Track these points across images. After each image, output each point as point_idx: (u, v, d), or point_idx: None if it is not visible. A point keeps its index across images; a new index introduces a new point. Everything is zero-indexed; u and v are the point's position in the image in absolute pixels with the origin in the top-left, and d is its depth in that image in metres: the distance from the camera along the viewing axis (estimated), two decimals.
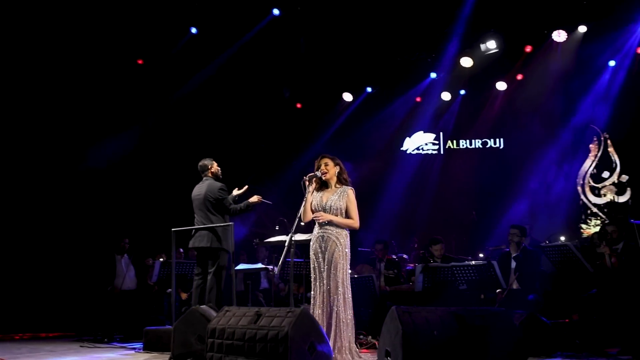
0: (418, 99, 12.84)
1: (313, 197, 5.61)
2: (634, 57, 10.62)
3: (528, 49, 10.56)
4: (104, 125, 9.86)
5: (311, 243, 5.57)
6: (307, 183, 5.52)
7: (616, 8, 9.45)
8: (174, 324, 5.17)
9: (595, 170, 12.10)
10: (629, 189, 11.63)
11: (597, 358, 5.77)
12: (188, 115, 10.89)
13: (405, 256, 9.67)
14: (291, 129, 12.41)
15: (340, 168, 5.66)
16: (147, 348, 6.43)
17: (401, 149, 13.26)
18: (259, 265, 7.91)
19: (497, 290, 7.13)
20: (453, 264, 6.89)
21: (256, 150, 11.77)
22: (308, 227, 8.46)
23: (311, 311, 5.38)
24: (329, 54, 11.19)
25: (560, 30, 9.86)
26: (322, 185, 5.65)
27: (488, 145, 12.87)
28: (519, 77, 11.83)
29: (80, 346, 7.14)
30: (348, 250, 5.49)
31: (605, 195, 12.00)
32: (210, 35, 10.14)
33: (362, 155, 12.44)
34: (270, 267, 7.73)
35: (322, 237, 5.46)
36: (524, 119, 12.33)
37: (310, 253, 5.56)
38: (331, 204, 5.49)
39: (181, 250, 9.19)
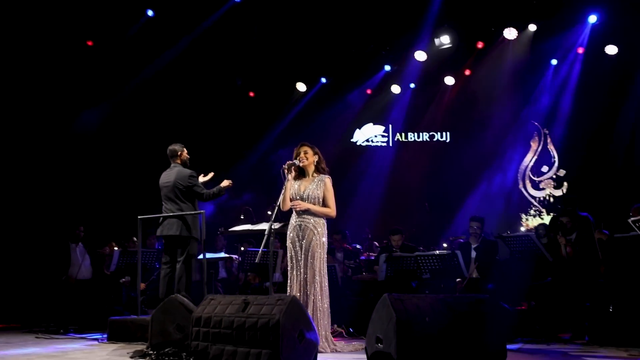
0: (368, 91, 13.01)
1: (291, 186, 5.65)
2: (576, 57, 11.12)
3: (480, 45, 10.86)
4: (59, 107, 9.51)
5: (288, 232, 5.61)
6: (285, 171, 5.55)
7: (564, 9, 9.86)
8: (152, 313, 5.07)
9: (535, 165, 12.67)
10: (565, 182, 12.25)
11: (555, 343, 6.10)
12: (143, 101, 10.63)
13: (358, 246, 9.82)
14: (244, 118, 12.31)
15: (319, 157, 5.73)
16: (112, 338, 6.27)
17: (351, 140, 13.44)
18: (223, 255, 7.85)
19: (457, 280, 7.38)
20: (418, 253, 7.08)
21: (209, 140, 11.60)
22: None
23: None
24: (283, 43, 11.16)
25: (511, 28, 10.19)
26: (300, 173, 5.70)
27: (435, 139, 13.20)
28: (467, 72, 12.16)
29: (36, 337, 6.87)
30: (325, 239, 5.57)
31: (544, 188, 12.58)
32: (168, 19, 9.92)
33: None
34: (234, 256, 7.70)
35: (300, 225, 5.50)
36: (471, 113, 12.68)
37: (287, 242, 5.60)
38: (309, 192, 5.54)
39: (134, 239, 8.98)
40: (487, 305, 4.11)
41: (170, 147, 6.79)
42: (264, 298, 4.46)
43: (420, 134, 13.26)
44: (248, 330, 4.21)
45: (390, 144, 13.40)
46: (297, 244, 5.50)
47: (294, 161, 5.60)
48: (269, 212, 8.09)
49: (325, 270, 5.52)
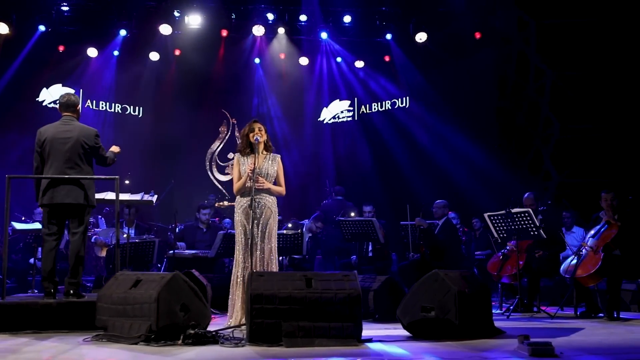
0: (61, 48, 11.78)
1: (241, 163, 5.50)
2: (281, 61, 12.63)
3: (224, 33, 11.25)
4: None
5: (240, 208, 5.40)
6: (258, 148, 5.38)
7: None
8: (157, 292, 4.23)
9: (221, 151, 13.66)
10: None
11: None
12: None
13: None
14: None
15: (268, 135, 5.65)
16: None
17: (37, 99, 11.91)
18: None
19: (280, 257, 7.89)
20: None
21: None
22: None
23: (240, 276, 5.30)
24: None
25: (260, 26, 10.97)
26: (250, 151, 5.53)
27: (128, 112, 12.82)
28: (177, 52, 12.28)
29: None
30: (277, 217, 5.59)
31: (228, 173, 13.68)
32: None
33: None
34: None
35: (259, 203, 5.38)
36: (168, 91, 12.79)
37: (240, 218, 5.39)
38: (266, 170, 5.50)
39: None
40: (479, 277, 5.18)
41: (69, 96, 5.44)
42: (322, 274, 4.50)
43: (113, 104, 12.67)
44: (325, 304, 4.24)
45: (80, 110, 12.32)
46: (254, 221, 5.36)
47: (257, 138, 5.43)
48: None
49: (277, 248, 5.55)
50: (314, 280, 4.36)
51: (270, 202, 5.47)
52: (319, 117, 13.39)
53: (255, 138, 5.42)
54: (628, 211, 6.45)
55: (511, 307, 6.60)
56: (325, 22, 11.21)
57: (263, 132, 5.54)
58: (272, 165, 5.55)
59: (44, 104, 11.93)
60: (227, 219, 9.58)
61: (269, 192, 5.45)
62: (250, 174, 5.32)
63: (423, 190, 10.77)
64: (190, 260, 7.57)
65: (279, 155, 5.67)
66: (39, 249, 7.26)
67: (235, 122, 13.65)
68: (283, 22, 11.03)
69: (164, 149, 12.75)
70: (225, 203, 13.21)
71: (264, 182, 5.39)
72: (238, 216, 5.42)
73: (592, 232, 6.54)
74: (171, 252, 7.60)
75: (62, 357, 3.78)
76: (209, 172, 13.59)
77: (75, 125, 5.39)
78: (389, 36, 11.36)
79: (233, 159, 13.42)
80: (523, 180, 10.24)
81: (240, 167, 5.50)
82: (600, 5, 9.52)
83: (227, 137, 13.68)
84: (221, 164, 13.64)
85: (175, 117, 12.77)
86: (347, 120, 13.22)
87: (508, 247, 7.04)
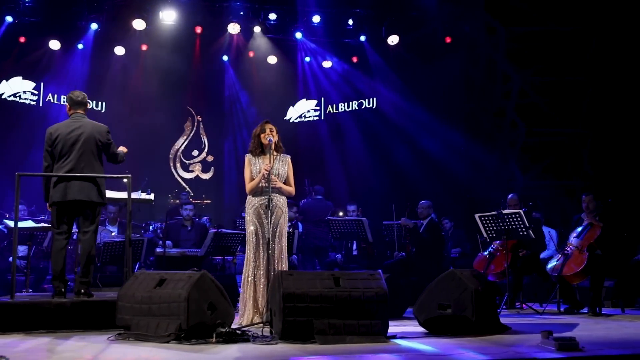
0: (22, 39, 11.37)
1: (252, 163, 5.52)
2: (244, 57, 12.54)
3: (198, 30, 11.12)
4: None
5: (252, 208, 5.43)
6: (271, 148, 5.42)
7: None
8: (187, 291, 4.20)
9: (186, 148, 13.47)
10: (212, 167, 13.51)
11: None
12: None
13: None
14: None
15: (279, 135, 5.68)
16: None
17: None
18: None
19: None
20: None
21: None
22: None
23: (252, 275, 5.34)
24: None
25: (236, 24, 10.90)
26: (261, 151, 5.55)
27: (90, 107, 12.42)
28: (144, 47, 12.05)
29: None
30: (288, 217, 5.64)
31: (192, 171, 13.52)
32: None
33: None
34: None
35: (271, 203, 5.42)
36: (130, 86, 12.52)
37: (252, 217, 5.41)
38: (278, 171, 5.53)
39: None
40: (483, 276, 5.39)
41: (77, 93, 5.31)
42: (349, 273, 4.60)
43: None
44: (354, 303, 4.34)
45: (41, 104, 11.98)
46: (265, 221, 5.39)
47: (269, 139, 5.46)
48: None
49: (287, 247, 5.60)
50: (341, 279, 4.46)
51: (282, 202, 5.52)
52: (285, 116, 13.39)
53: (267, 139, 5.45)
54: (608, 212, 6.83)
55: (501, 304, 6.87)
56: (300, 22, 11.24)
57: (274, 132, 5.57)
58: (283, 166, 5.59)
59: (3, 96, 11.47)
60: (205, 217, 9.51)
61: (280, 191, 5.49)
62: (265, 174, 5.33)
63: (400, 189, 10.99)
64: (179, 259, 7.50)
65: (289, 156, 5.71)
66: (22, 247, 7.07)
67: (200, 119, 13.49)
68: (258, 21, 10.97)
69: (127, 145, 12.40)
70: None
71: (276, 181, 5.43)
72: (249, 216, 5.45)
73: (575, 233, 6.89)
74: (160, 250, 7.50)
75: (103, 356, 3.72)
76: (173, 170, 13.38)
77: (87, 122, 5.30)
78: (362, 38, 11.50)
79: (198, 156, 13.53)
80: (489, 181, 10.61)
81: (252, 167, 5.51)
82: (567, 13, 9.97)
83: (191, 135, 13.50)
84: (185, 161, 13.46)
85: (140, 113, 12.48)
86: (313, 120, 13.28)
87: (493, 247, 7.33)
